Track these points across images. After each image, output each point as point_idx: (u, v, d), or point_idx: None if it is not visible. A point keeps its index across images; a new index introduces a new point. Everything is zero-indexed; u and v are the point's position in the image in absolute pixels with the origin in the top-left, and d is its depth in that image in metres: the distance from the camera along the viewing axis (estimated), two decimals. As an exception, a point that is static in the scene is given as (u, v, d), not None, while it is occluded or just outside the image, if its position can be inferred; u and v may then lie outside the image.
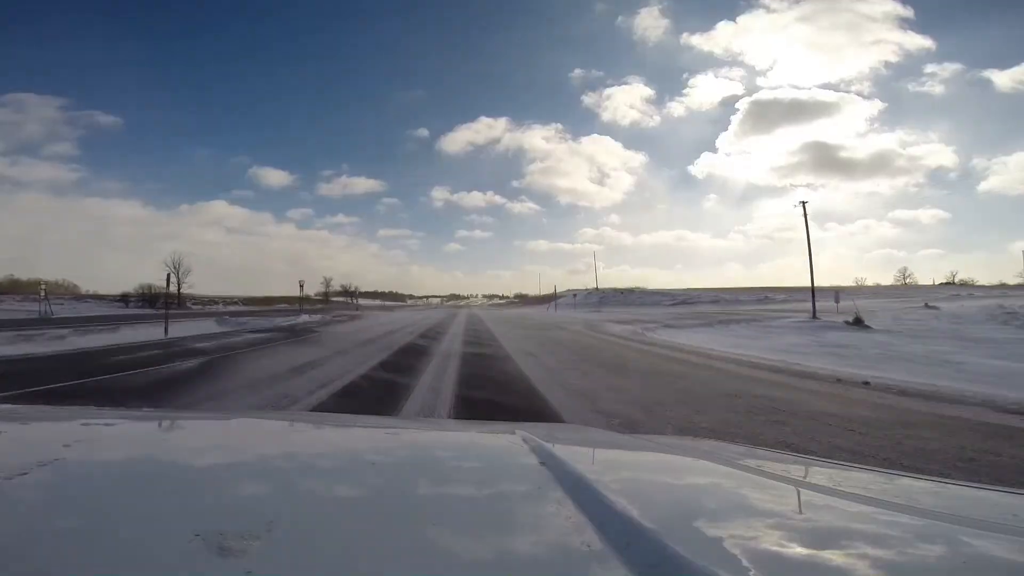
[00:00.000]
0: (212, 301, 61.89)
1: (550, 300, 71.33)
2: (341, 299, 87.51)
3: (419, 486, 0.68)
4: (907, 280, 70.51)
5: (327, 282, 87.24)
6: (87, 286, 54.95)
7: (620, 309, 48.75)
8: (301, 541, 0.46)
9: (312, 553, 0.44)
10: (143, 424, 1.07)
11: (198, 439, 0.95)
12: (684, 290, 69.94)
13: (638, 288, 71.36)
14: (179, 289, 53.62)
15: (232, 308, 51.80)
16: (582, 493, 0.58)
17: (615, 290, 68.07)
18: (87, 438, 0.83)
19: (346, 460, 0.84)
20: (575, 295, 56.30)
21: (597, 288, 56.74)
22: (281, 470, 0.74)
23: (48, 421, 1.06)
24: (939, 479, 0.95)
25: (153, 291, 51.11)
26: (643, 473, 0.90)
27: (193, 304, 56.10)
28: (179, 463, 0.75)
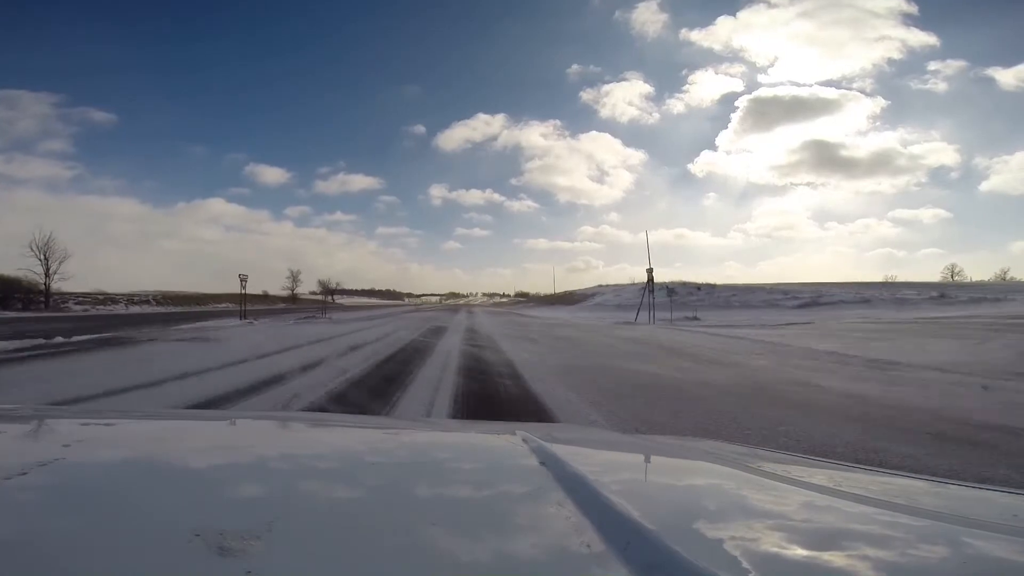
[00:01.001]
0: (109, 299, 43.75)
1: (570, 300, 51.01)
2: (320, 297, 70.26)
3: (419, 486, 0.67)
4: (956, 276, 62.91)
5: (294, 276, 68.73)
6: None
7: (736, 315, 29.79)
8: (301, 541, 0.46)
9: (312, 553, 0.44)
10: (143, 424, 1.06)
11: (198, 439, 0.94)
12: (786, 284, 47.44)
13: (712, 284, 50.49)
14: (47, 282, 35.56)
15: (129, 311, 34.26)
16: (582, 493, 0.58)
17: (683, 284, 46.29)
18: (87, 438, 0.83)
19: (346, 460, 0.83)
20: (647, 291, 32.48)
21: (651, 282, 34.75)
22: (281, 470, 0.73)
23: (48, 421, 1.04)
24: (939, 479, 0.92)
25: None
26: (643, 473, 0.89)
27: (76, 303, 38.11)
28: (179, 463, 0.74)
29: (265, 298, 62.32)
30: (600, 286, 48.81)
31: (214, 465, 0.73)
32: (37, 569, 0.41)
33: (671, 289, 31.34)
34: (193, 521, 0.48)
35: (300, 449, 0.89)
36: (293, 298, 64.79)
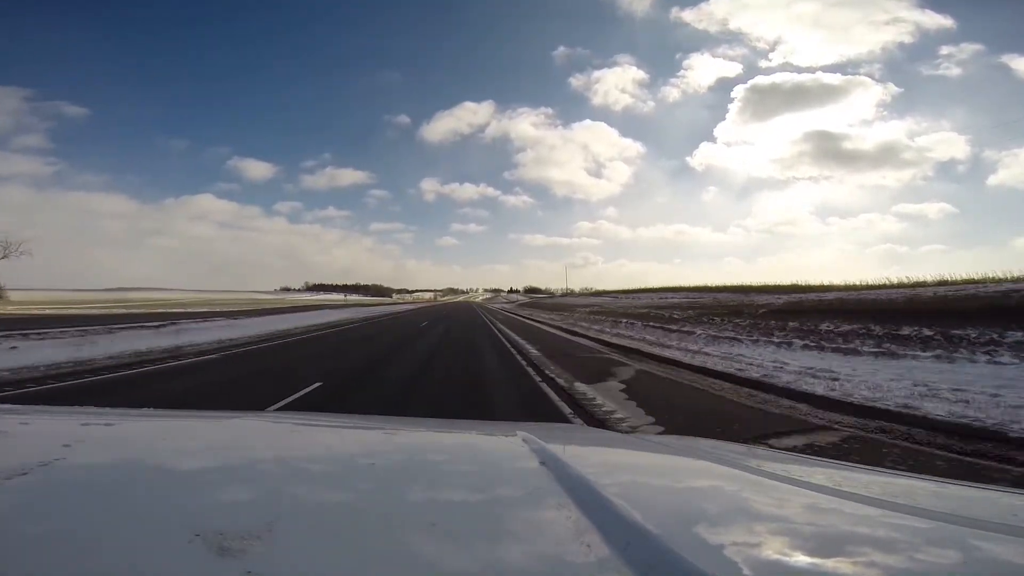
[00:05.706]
0: None
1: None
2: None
3: (420, 487, 0.68)
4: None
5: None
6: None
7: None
8: (301, 541, 0.47)
9: (312, 554, 0.44)
10: (143, 424, 1.07)
11: (198, 439, 0.94)
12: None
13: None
14: None
15: None
16: (583, 494, 0.58)
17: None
18: (87, 438, 0.83)
19: (346, 461, 0.84)
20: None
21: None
22: (281, 470, 0.74)
23: (48, 421, 1.05)
24: (939, 479, 0.93)
25: None
26: (644, 474, 0.89)
27: None
28: (179, 463, 0.75)
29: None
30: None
31: (214, 465, 0.74)
32: (38, 569, 0.41)
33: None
34: (193, 521, 0.48)
35: (300, 449, 0.90)
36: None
